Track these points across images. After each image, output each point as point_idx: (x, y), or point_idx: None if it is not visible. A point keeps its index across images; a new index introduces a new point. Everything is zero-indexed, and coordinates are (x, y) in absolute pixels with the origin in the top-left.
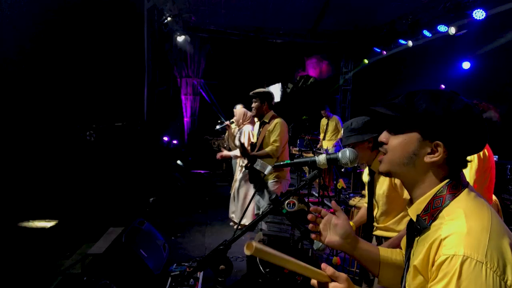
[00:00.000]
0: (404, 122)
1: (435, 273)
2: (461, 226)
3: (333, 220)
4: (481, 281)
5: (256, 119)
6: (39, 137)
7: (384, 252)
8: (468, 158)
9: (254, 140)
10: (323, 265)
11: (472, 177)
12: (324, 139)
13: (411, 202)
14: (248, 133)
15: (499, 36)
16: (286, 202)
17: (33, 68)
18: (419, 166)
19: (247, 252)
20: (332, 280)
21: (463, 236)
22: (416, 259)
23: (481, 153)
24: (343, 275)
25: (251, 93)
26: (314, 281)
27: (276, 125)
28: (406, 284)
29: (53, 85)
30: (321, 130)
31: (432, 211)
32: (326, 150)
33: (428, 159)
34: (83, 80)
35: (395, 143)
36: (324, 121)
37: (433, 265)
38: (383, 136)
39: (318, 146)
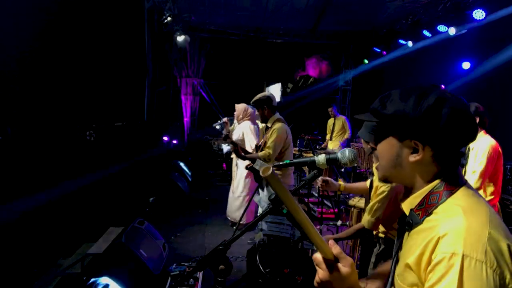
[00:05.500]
0: (381, 126)
1: (431, 274)
2: (459, 223)
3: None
4: (481, 281)
5: (262, 124)
6: (39, 137)
7: None
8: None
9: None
10: (331, 242)
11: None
12: (330, 139)
13: (405, 196)
14: (242, 132)
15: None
16: None
17: (33, 67)
18: (407, 166)
19: (262, 173)
20: (337, 261)
21: (462, 233)
22: (409, 257)
23: (499, 150)
24: (349, 259)
25: (251, 102)
26: (317, 256)
27: (274, 131)
28: (396, 275)
29: (52, 85)
30: (327, 131)
31: (427, 206)
32: (327, 151)
33: (412, 158)
34: (83, 80)
35: (381, 149)
36: (331, 121)
37: (428, 264)
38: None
39: (323, 146)
